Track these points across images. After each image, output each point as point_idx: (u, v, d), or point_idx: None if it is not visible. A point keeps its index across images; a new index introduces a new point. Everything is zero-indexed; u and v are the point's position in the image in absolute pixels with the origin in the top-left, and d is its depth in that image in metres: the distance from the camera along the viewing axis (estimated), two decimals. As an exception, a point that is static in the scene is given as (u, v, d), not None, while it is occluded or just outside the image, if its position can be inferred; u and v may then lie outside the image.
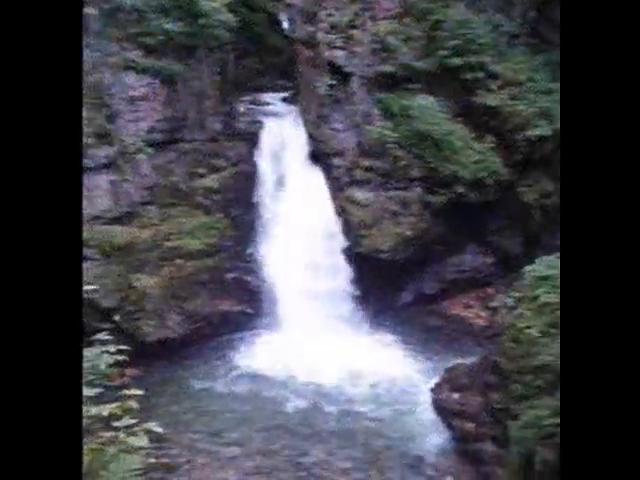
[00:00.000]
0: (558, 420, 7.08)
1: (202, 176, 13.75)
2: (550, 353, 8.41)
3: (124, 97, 12.50)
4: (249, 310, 13.81)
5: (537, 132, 14.12)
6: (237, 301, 13.80)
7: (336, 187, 14.54)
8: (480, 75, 14.46)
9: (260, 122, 14.79)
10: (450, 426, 10.03)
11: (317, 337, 13.06)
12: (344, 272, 14.04)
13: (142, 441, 3.56)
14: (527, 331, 9.17)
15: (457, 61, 14.32)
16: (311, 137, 14.71)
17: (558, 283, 9.48)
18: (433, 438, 10.26)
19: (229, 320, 13.61)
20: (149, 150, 12.66)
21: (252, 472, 9.69)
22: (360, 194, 14.47)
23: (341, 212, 14.43)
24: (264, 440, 10.49)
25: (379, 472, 9.66)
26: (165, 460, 9.52)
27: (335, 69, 14.59)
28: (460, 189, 14.36)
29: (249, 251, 14.02)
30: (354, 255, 14.12)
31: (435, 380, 10.86)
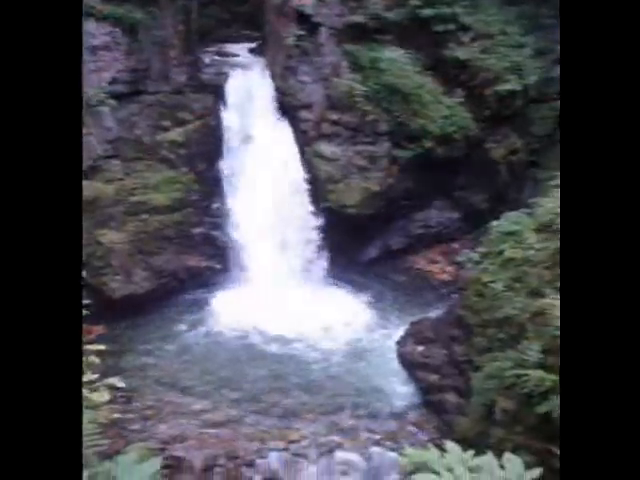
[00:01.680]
0: (518, 371, 7.29)
1: (166, 129, 13.43)
2: (513, 307, 8.59)
3: (85, 46, 12.03)
4: (217, 265, 13.75)
5: (507, 87, 14.11)
6: (204, 256, 13.72)
7: (304, 141, 14.38)
8: (451, 27, 14.29)
9: (226, 74, 14.42)
10: (415, 378, 10.25)
11: (284, 291, 13.11)
12: (311, 226, 14.00)
13: (104, 396, 3.54)
14: (491, 285, 9.34)
15: (429, 12, 14.11)
16: (278, 90, 14.43)
17: (522, 238, 9.64)
18: (397, 389, 10.48)
19: (196, 275, 13.56)
20: (112, 102, 12.30)
21: (217, 423, 9.79)
22: (328, 148, 14.35)
23: (309, 166, 14.30)
24: (232, 392, 10.59)
25: (344, 421, 9.85)
26: (130, 415, 9.55)
27: (303, 19, 14.25)
28: (428, 144, 14.34)
29: (216, 205, 13.87)
30: (321, 210, 14.06)
31: (400, 333, 11.03)
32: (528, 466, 6.99)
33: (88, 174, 12.36)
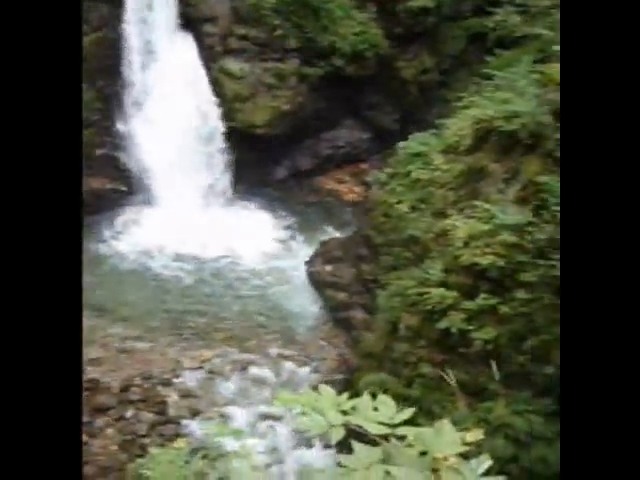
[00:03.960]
0: (421, 289, 7.60)
1: None
2: (417, 227, 8.86)
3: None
4: (122, 187, 13.27)
5: (419, 3, 13.95)
6: (108, 179, 13.17)
7: (209, 57, 13.78)
8: None
9: None
10: (323, 296, 10.51)
11: (190, 212, 12.92)
12: (218, 146, 13.66)
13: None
14: (397, 206, 9.56)
15: None
16: (181, 0, 13.61)
17: (429, 160, 9.84)
18: (307, 308, 10.74)
19: (101, 198, 13.02)
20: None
21: (131, 345, 9.78)
22: (234, 65, 13.85)
23: (215, 84, 13.78)
24: (143, 314, 10.58)
25: (255, 340, 10.07)
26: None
27: None
28: (339, 62, 14.12)
29: (118, 126, 13.21)
30: (228, 129, 13.70)
31: (309, 253, 11.19)
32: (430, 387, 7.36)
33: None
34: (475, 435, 1.98)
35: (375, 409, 1.91)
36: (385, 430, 1.85)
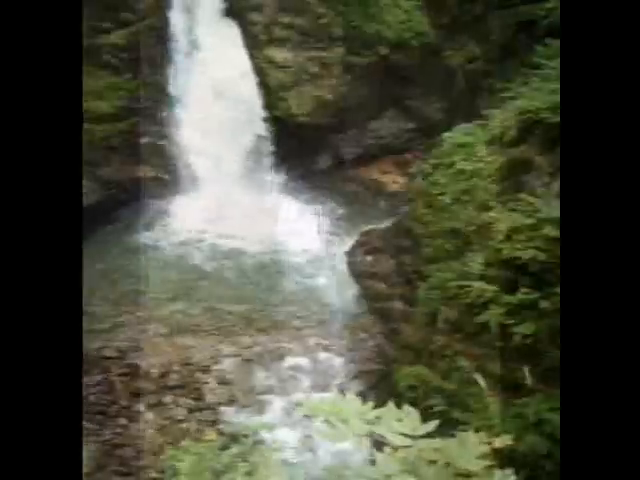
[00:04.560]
0: (461, 283, 7.48)
1: (108, 32, 12.66)
2: (459, 219, 8.71)
3: None
4: (165, 176, 13.43)
5: None
6: (151, 166, 13.35)
7: (253, 45, 13.79)
8: None
9: None
10: (363, 286, 10.45)
11: (234, 202, 12.98)
12: (261, 135, 13.70)
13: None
14: (439, 198, 9.41)
15: None
16: None
17: (473, 151, 9.66)
18: (346, 298, 10.72)
19: (145, 186, 13.22)
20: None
21: (173, 331, 9.92)
22: (279, 54, 13.84)
23: (259, 73, 13.81)
24: (188, 301, 10.73)
25: (295, 328, 10.12)
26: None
27: None
28: (383, 51, 14.00)
29: (163, 114, 13.34)
30: (271, 118, 13.71)
31: (351, 243, 11.14)
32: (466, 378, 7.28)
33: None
34: (503, 441, 1.93)
35: (399, 420, 1.87)
36: (408, 442, 1.82)
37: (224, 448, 3.35)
